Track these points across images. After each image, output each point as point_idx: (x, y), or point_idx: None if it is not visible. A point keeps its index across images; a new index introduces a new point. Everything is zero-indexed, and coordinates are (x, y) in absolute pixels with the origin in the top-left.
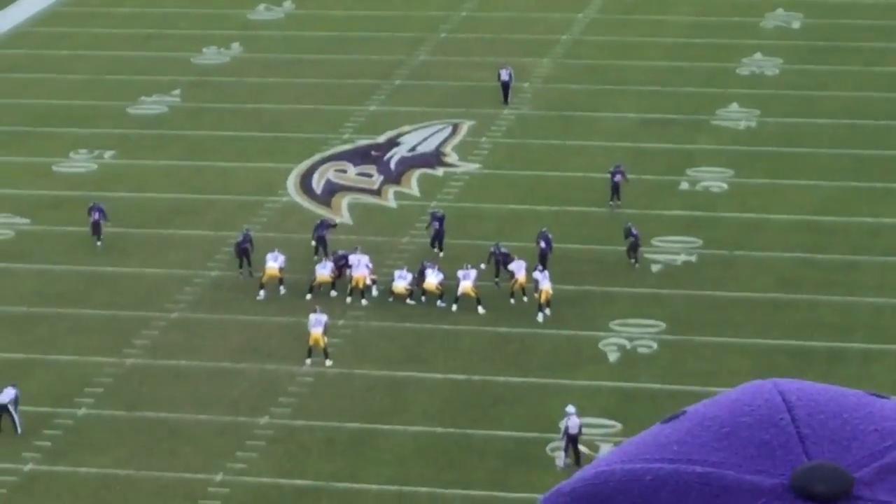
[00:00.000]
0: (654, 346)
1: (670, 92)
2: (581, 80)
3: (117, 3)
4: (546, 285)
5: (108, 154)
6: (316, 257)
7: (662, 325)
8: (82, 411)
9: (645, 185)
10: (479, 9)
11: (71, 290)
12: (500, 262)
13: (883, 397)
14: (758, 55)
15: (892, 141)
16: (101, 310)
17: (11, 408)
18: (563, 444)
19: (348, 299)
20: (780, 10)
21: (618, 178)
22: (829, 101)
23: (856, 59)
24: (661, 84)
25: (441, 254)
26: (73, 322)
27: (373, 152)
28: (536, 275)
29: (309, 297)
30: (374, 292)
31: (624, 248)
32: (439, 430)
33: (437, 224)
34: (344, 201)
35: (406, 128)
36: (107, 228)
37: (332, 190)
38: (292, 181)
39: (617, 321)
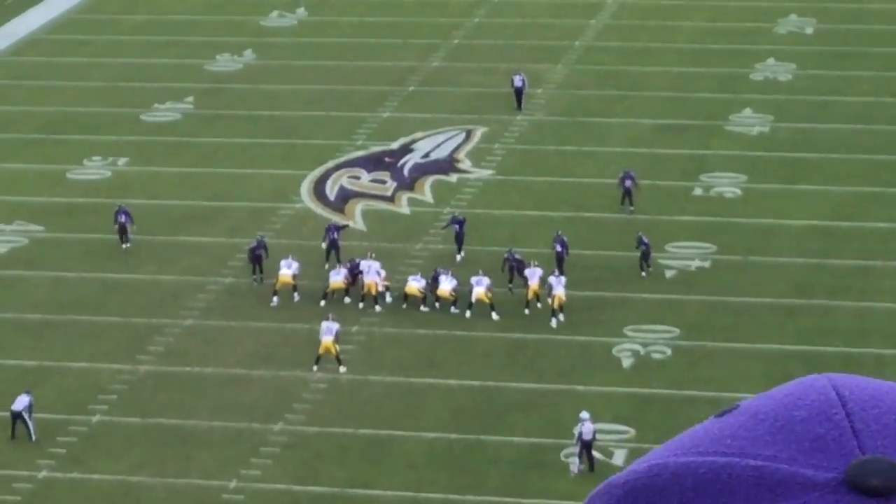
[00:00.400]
0: (668, 351)
1: (684, 97)
2: (594, 86)
3: (131, 10)
4: (559, 291)
5: (121, 161)
6: (327, 264)
7: (676, 330)
8: (96, 418)
9: (658, 191)
10: (492, 15)
11: (85, 297)
12: (514, 268)
13: None
14: (771, 60)
15: None
16: (114, 317)
17: (26, 415)
18: (577, 449)
19: (361, 305)
20: (793, 16)
21: (628, 182)
22: (842, 106)
23: (869, 64)
24: (675, 90)
25: (461, 255)
26: (87, 329)
27: (386, 159)
28: (551, 279)
29: (323, 303)
30: (388, 299)
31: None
32: (453, 436)
33: (457, 227)
34: (357, 208)
35: (419, 134)
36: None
37: (345, 196)
38: (306, 188)
39: (631, 327)
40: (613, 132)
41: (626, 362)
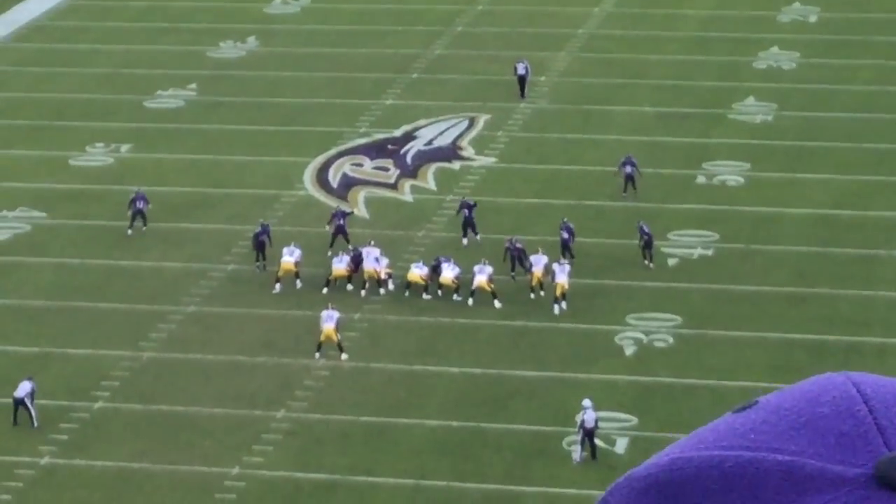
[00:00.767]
0: (671, 340)
1: (687, 86)
2: (597, 74)
3: None
4: (562, 279)
5: (124, 148)
6: (330, 250)
7: (679, 319)
8: (99, 404)
9: (661, 179)
10: (495, 2)
11: (87, 283)
12: (516, 256)
13: None
14: (774, 49)
15: None
16: (117, 303)
17: (28, 401)
18: (579, 437)
19: (363, 293)
20: (796, 4)
21: (629, 168)
22: (845, 94)
23: (873, 52)
24: (678, 78)
25: (467, 239)
26: (90, 315)
27: (389, 146)
28: (555, 266)
29: (325, 290)
30: (391, 286)
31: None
32: (455, 423)
33: (466, 211)
34: (360, 195)
35: (422, 121)
36: (121, 223)
37: (348, 184)
38: (309, 175)
39: (633, 315)
40: (617, 120)
41: (629, 350)
